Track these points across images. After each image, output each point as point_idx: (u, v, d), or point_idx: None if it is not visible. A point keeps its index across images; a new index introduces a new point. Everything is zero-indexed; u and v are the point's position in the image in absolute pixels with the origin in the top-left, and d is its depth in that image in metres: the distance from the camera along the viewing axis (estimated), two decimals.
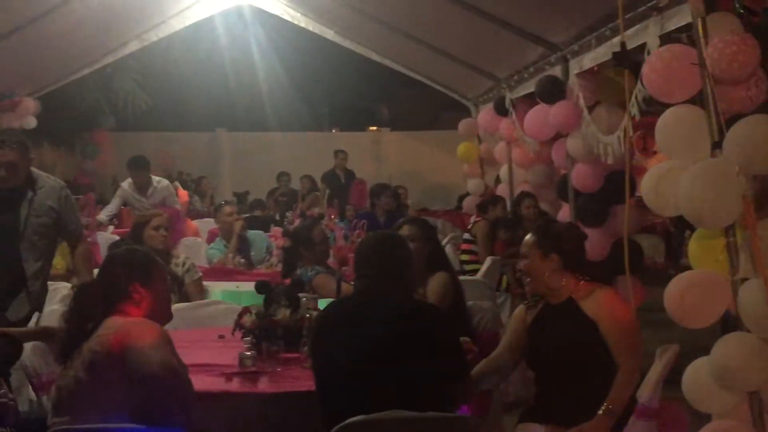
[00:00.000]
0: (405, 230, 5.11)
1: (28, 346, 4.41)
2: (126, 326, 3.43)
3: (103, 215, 10.40)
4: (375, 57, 11.67)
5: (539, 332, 4.20)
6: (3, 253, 5.53)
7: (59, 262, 7.20)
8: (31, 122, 12.24)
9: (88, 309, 3.60)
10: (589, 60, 6.53)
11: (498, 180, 11.06)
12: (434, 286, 5.04)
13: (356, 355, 3.56)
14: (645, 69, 4.32)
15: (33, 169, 5.68)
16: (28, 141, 5.65)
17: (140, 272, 3.65)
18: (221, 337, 4.89)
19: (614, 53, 5.00)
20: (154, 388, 3.31)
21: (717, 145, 3.99)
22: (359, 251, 4.00)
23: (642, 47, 5.00)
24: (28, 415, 4.25)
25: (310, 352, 3.94)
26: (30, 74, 11.23)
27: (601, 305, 4.05)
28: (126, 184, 10.21)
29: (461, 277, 7.33)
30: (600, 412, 3.83)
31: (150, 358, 3.32)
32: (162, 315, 3.73)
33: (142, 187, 9.96)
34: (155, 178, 10.11)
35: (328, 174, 14.70)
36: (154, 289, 3.68)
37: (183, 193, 11.34)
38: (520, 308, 4.38)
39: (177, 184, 9.77)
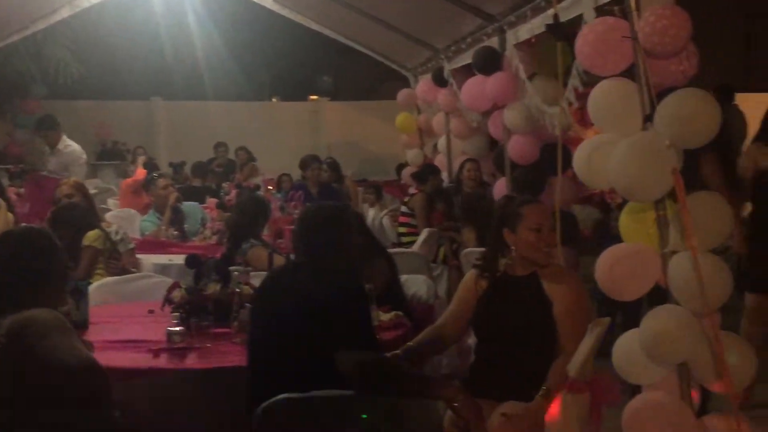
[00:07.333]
0: None
1: None
2: (20, 322, 3.22)
3: None
4: (314, 26, 11.55)
5: (493, 301, 4.10)
6: None
7: None
8: None
9: None
10: (526, 31, 6.51)
11: (436, 150, 11.05)
12: (372, 274, 4.95)
13: (279, 331, 3.49)
14: (578, 41, 4.29)
15: None
16: None
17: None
18: (151, 311, 4.81)
19: (547, 25, 4.99)
20: (63, 384, 3.18)
21: (648, 119, 3.99)
22: (295, 224, 3.94)
23: (579, 19, 4.98)
24: None
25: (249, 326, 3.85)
26: None
27: (563, 288, 3.98)
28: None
29: (397, 250, 7.37)
30: (539, 394, 3.81)
31: (52, 355, 3.16)
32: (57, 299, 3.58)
33: (51, 147, 9.56)
34: (65, 142, 9.60)
35: None
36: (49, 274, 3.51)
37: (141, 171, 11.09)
38: (469, 275, 4.26)
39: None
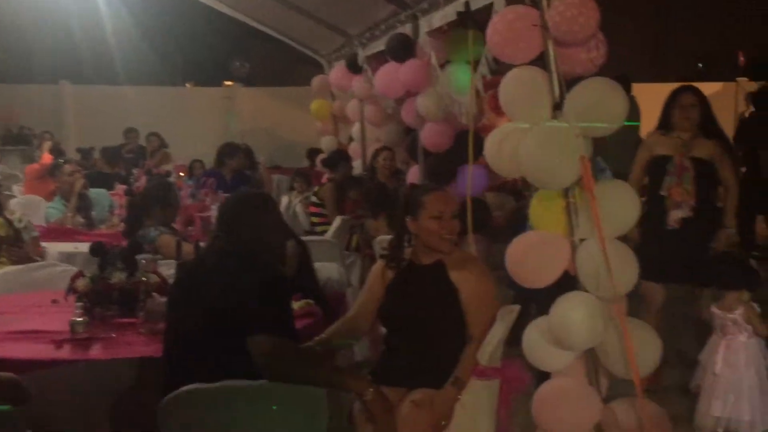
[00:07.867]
0: None
1: None
2: None
3: None
4: (225, 10, 11.40)
5: (400, 290, 4.08)
6: None
7: None
8: None
9: None
10: (439, 19, 6.51)
11: (351, 138, 10.99)
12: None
13: (197, 319, 3.43)
14: (488, 30, 4.29)
15: None
16: None
17: None
18: (55, 301, 4.68)
19: (458, 13, 4.98)
20: None
21: (558, 107, 4.02)
22: (219, 210, 3.89)
23: (490, 7, 4.99)
24: None
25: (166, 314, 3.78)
26: None
27: (467, 275, 3.96)
28: None
29: (310, 237, 7.32)
30: (449, 382, 3.81)
31: None
32: None
33: None
34: None
35: None
36: None
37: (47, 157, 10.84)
38: (377, 265, 4.24)
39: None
